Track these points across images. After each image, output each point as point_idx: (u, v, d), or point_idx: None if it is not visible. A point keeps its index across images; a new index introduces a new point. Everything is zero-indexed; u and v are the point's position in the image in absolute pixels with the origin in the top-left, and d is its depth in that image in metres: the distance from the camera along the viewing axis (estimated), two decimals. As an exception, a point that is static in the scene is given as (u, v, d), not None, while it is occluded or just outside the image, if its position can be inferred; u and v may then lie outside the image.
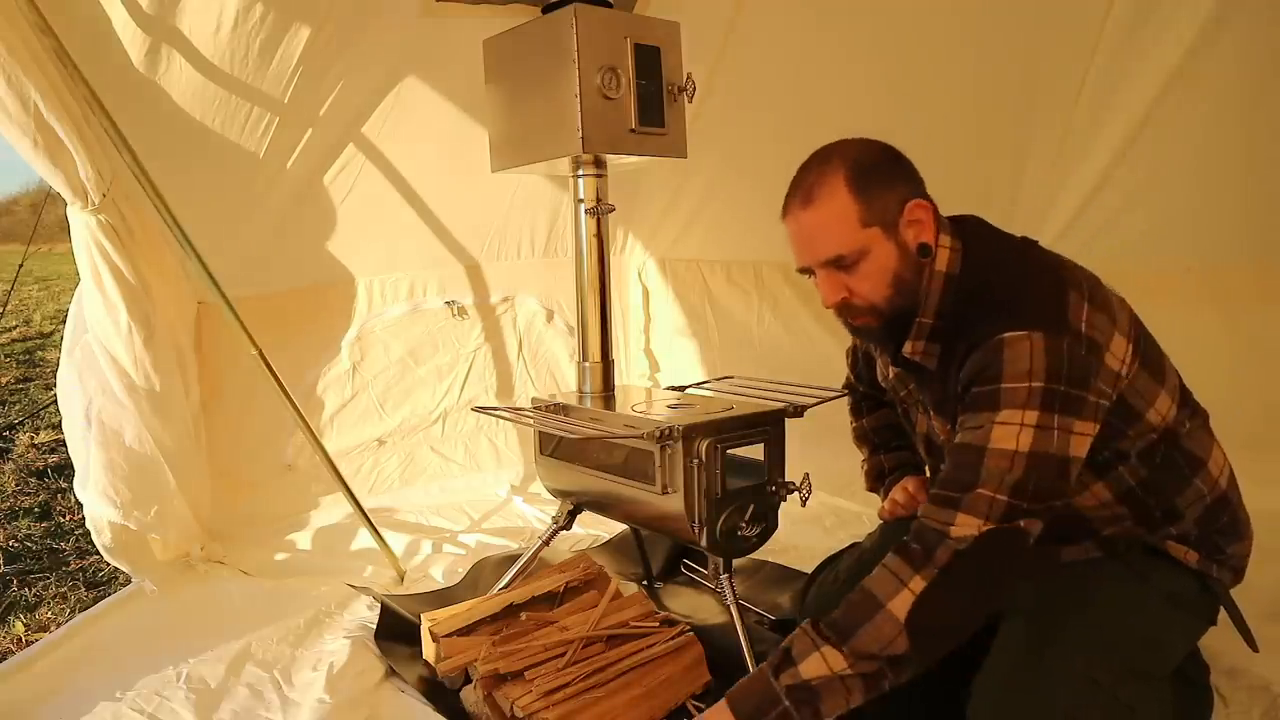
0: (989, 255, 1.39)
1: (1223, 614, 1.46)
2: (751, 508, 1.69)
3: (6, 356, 6.55)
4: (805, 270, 1.43)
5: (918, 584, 1.22)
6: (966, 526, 1.23)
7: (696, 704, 1.68)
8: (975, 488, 1.23)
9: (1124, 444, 1.35)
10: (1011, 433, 1.23)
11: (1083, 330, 1.28)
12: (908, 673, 1.25)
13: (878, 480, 1.83)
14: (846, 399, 1.93)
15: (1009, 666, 1.35)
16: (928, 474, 1.72)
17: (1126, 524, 1.41)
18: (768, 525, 1.74)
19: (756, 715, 1.25)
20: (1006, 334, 1.25)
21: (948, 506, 1.25)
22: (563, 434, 1.88)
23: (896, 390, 1.62)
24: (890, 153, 1.38)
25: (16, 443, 4.13)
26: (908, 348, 1.42)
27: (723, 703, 1.29)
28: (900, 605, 1.22)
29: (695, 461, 1.63)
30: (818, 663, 1.23)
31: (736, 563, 1.87)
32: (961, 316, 1.35)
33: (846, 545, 1.90)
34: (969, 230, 1.42)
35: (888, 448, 1.83)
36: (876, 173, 1.35)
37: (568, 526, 2.09)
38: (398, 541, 2.49)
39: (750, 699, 1.27)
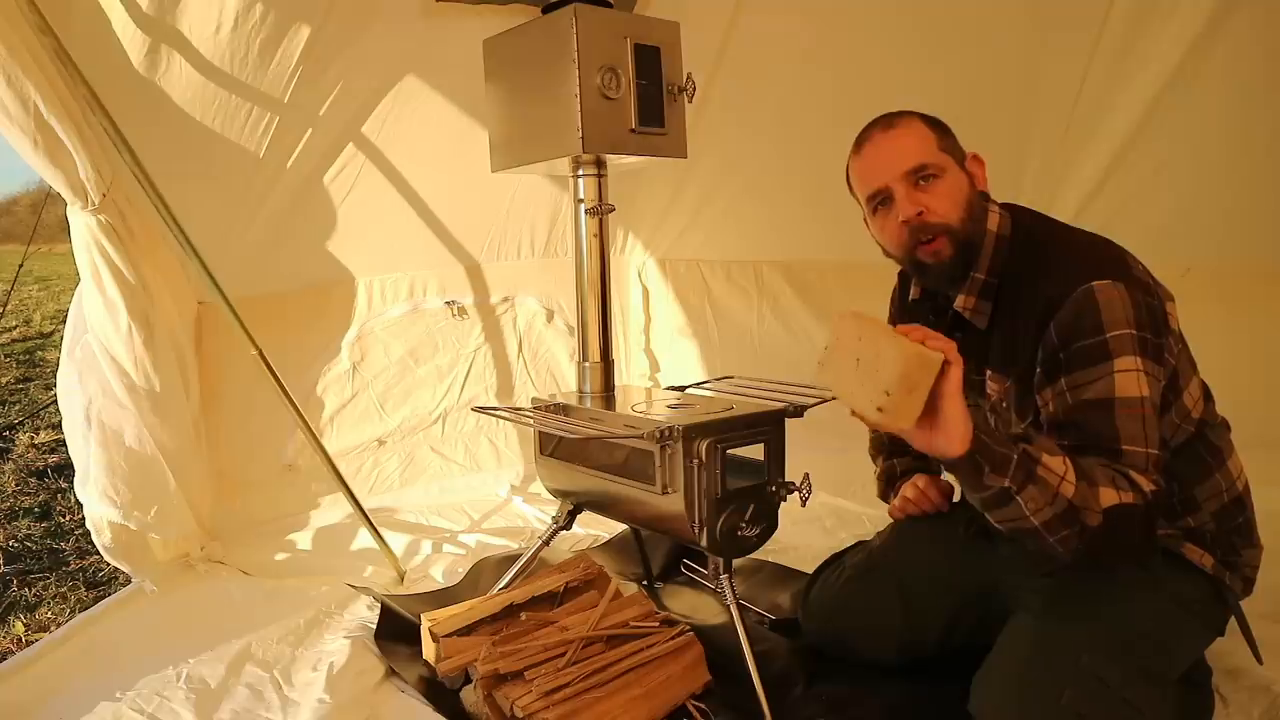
0: (1038, 222, 1.48)
1: (1231, 624, 1.47)
2: (751, 508, 1.69)
3: (6, 356, 6.54)
4: (877, 195, 1.46)
5: (1126, 495, 1.24)
6: (1146, 483, 1.25)
7: (697, 704, 1.68)
8: (1123, 442, 1.26)
9: (1163, 427, 1.36)
10: (1132, 380, 1.27)
11: (1151, 283, 1.35)
12: (1071, 546, 1.24)
13: (889, 485, 1.85)
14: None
15: (1017, 664, 1.36)
16: (942, 472, 1.73)
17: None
18: (768, 525, 1.74)
19: (991, 434, 1.22)
20: (1094, 283, 1.29)
21: (1109, 458, 1.27)
22: (563, 434, 1.88)
23: None
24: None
25: (16, 443, 4.13)
26: (960, 301, 1.47)
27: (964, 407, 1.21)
28: (1108, 497, 1.23)
29: (695, 461, 1.63)
30: (1059, 463, 1.22)
31: (736, 563, 1.87)
32: (1019, 275, 1.41)
33: (851, 544, 1.90)
34: (1010, 206, 1.51)
35: (902, 452, 1.84)
36: (941, 124, 1.49)
37: (568, 526, 2.09)
38: (398, 541, 2.49)
39: (992, 432, 1.24)
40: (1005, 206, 1.50)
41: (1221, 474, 1.43)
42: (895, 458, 1.85)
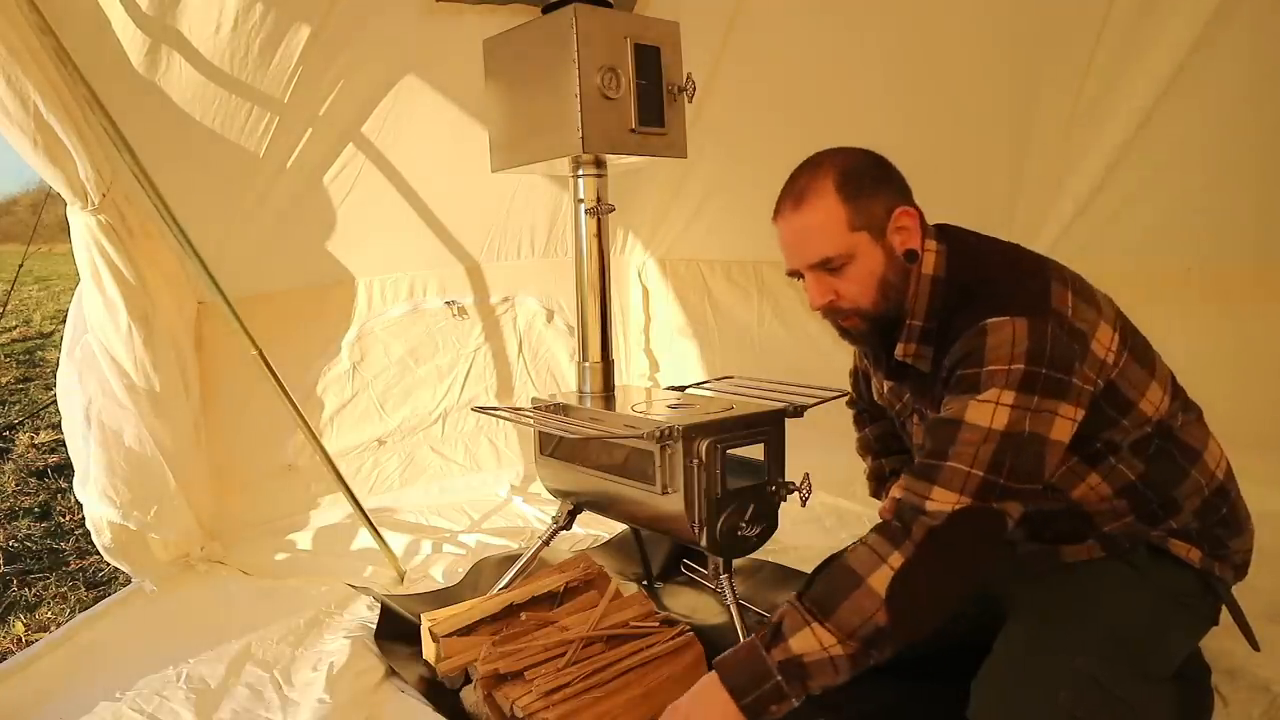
0: (972, 256, 1.43)
1: (1225, 614, 1.47)
2: (751, 508, 1.69)
3: (6, 356, 6.54)
4: (794, 273, 1.46)
5: (896, 559, 1.23)
6: (942, 500, 1.24)
7: (696, 704, 1.68)
8: (949, 460, 1.25)
9: (1116, 435, 1.36)
10: (987, 410, 1.25)
11: (1068, 315, 1.31)
12: (890, 649, 1.25)
13: (880, 484, 1.85)
14: (851, 411, 1.94)
15: (1011, 666, 1.36)
16: None
17: (1127, 519, 1.42)
18: (768, 525, 1.74)
19: (749, 688, 1.25)
20: (989, 320, 1.28)
21: (923, 479, 1.27)
22: (563, 434, 1.88)
23: (891, 404, 1.64)
24: (879, 162, 1.43)
25: (16, 443, 4.13)
26: (899, 350, 1.45)
27: (713, 675, 1.28)
28: (879, 580, 1.23)
29: (695, 461, 1.63)
30: (808, 639, 1.24)
31: (736, 563, 1.87)
32: (950, 316, 1.38)
33: (848, 545, 1.90)
34: (951, 235, 1.46)
35: (889, 452, 1.84)
36: (865, 180, 1.39)
37: (568, 526, 2.09)
38: (398, 541, 2.49)
39: (742, 672, 1.27)
40: (944, 236, 1.44)
41: (1199, 469, 1.42)
42: (883, 457, 1.85)
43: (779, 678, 1.23)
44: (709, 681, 1.28)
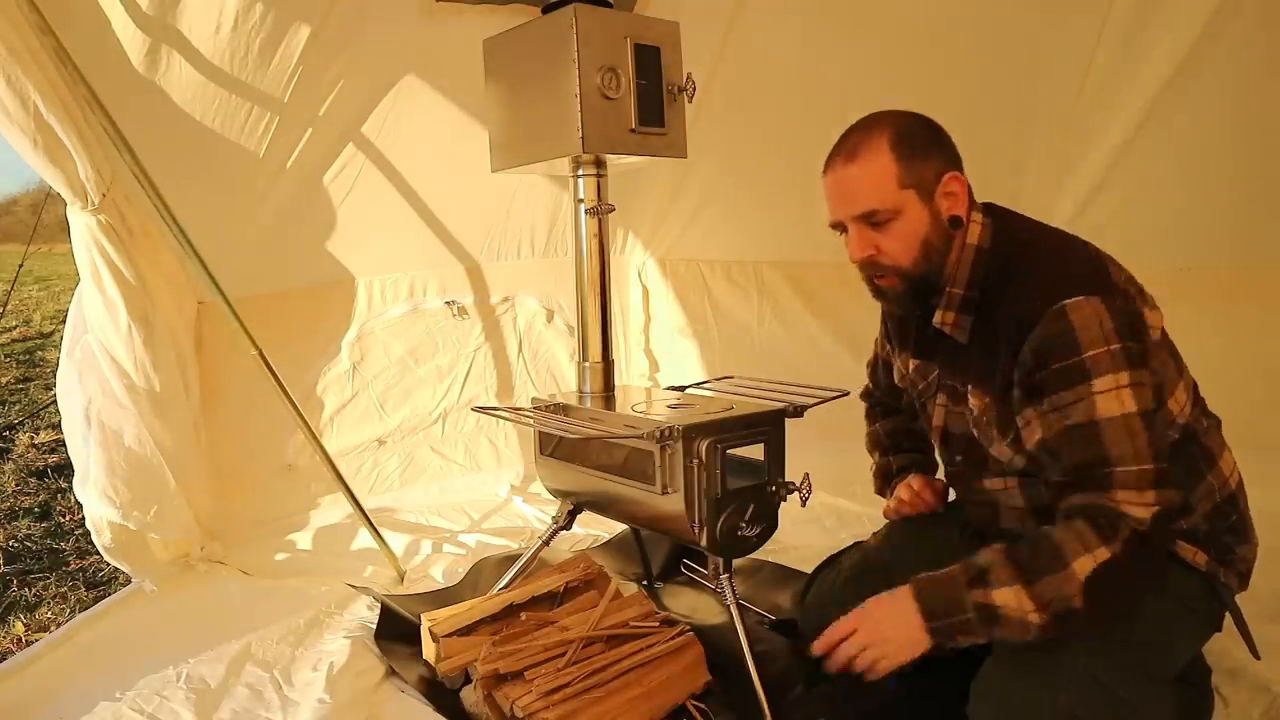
0: (1019, 232, 1.44)
1: (1227, 619, 1.47)
2: (751, 508, 1.69)
3: (6, 356, 6.54)
4: (837, 225, 1.46)
5: (1102, 554, 1.24)
6: (1129, 502, 1.25)
7: (697, 704, 1.68)
8: (1113, 465, 1.26)
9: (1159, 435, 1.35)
10: (1113, 399, 1.25)
11: (1130, 292, 1.33)
12: (1076, 632, 1.28)
13: (885, 481, 1.85)
14: (864, 405, 1.95)
15: (1013, 666, 1.35)
16: (940, 471, 1.73)
17: None
18: (768, 525, 1.74)
19: (941, 614, 1.30)
20: (1065, 302, 1.28)
21: (1099, 488, 1.27)
22: (563, 434, 1.88)
23: (914, 383, 1.63)
24: (933, 126, 1.44)
25: (16, 443, 4.13)
26: (938, 317, 1.46)
27: (908, 590, 1.34)
28: (1083, 568, 1.24)
29: (695, 461, 1.63)
30: (1010, 596, 1.26)
31: (736, 563, 1.87)
32: (998, 289, 1.39)
33: (848, 545, 1.90)
34: (997, 211, 1.47)
35: (898, 450, 1.85)
36: (918, 141, 1.40)
37: (568, 526, 2.09)
38: (398, 541, 2.49)
39: (938, 598, 1.32)
40: (990, 212, 1.46)
41: (1213, 474, 1.43)
42: (892, 454, 1.85)
43: (971, 615, 1.28)
44: (903, 595, 1.34)
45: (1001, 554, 1.31)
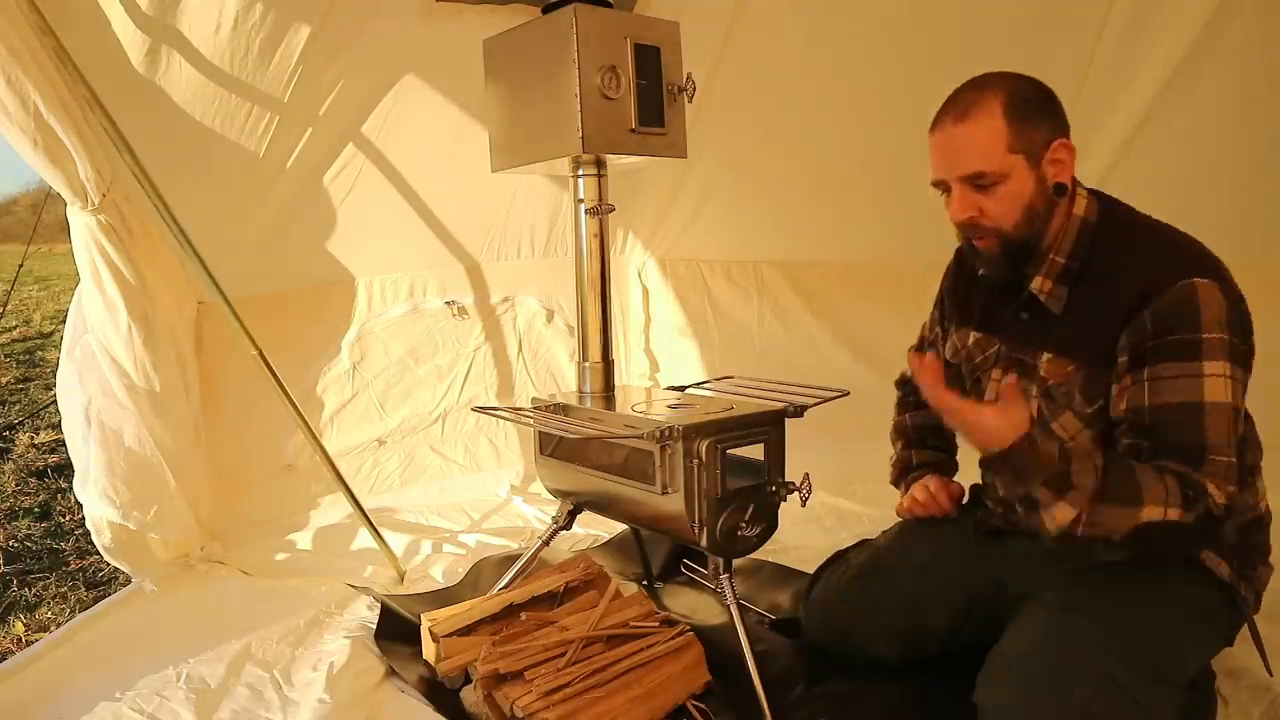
0: (1128, 212, 1.45)
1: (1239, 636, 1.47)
2: (751, 508, 1.69)
3: (6, 356, 6.54)
4: (940, 184, 1.46)
5: (1175, 514, 1.26)
6: (1217, 492, 1.27)
7: (697, 704, 1.68)
8: (1210, 451, 1.28)
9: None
10: (1222, 385, 1.27)
11: (1240, 293, 1.34)
12: (1098, 551, 1.34)
13: (903, 474, 1.85)
14: (897, 393, 1.94)
15: (1027, 657, 1.35)
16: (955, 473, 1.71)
17: None
18: (768, 525, 1.74)
19: (1012, 466, 1.30)
20: (1196, 280, 1.29)
21: (1190, 466, 1.28)
22: (563, 434, 1.88)
23: (971, 357, 1.64)
24: (1046, 93, 1.43)
25: (16, 443, 4.13)
26: (1037, 284, 1.45)
27: (1024, 431, 1.29)
28: (1149, 514, 1.26)
29: (695, 462, 1.63)
30: (1066, 512, 1.28)
31: (736, 563, 1.87)
32: (1104, 261, 1.40)
33: (855, 542, 1.90)
34: (1100, 193, 1.48)
35: (922, 445, 1.85)
36: (1030, 105, 1.39)
37: (568, 526, 2.09)
38: (398, 541, 2.49)
39: (1023, 459, 1.29)
40: (1094, 192, 1.47)
41: (1250, 491, 1.43)
42: (914, 448, 1.85)
43: (1024, 494, 1.31)
44: (1013, 429, 1.29)
45: (1095, 469, 1.29)
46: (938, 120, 1.44)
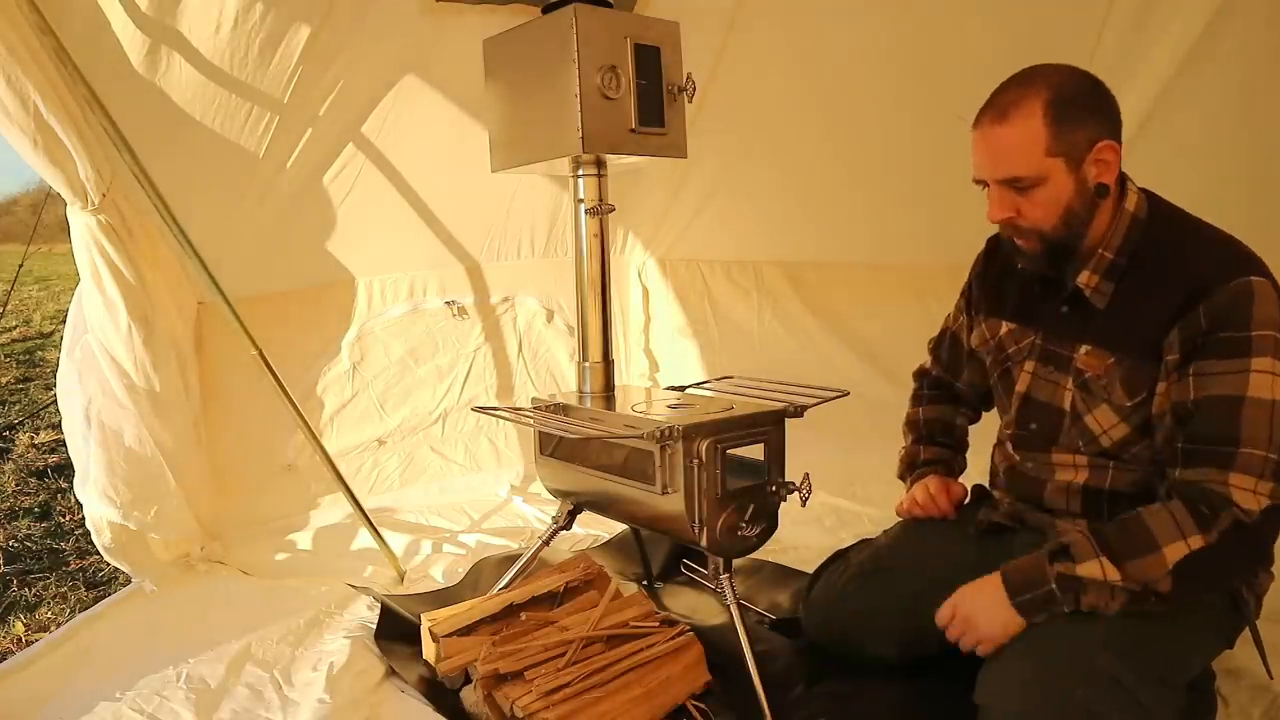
0: (1178, 211, 1.44)
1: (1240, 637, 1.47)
2: (751, 508, 1.69)
3: (6, 356, 6.54)
4: (980, 181, 1.45)
5: (1196, 541, 1.26)
6: (1244, 487, 1.25)
7: (697, 704, 1.68)
8: (1242, 446, 1.26)
9: None
10: (1266, 381, 1.25)
11: None
12: (1162, 606, 1.30)
13: (909, 469, 1.85)
14: (914, 384, 1.94)
15: (1029, 657, 1.35)
16: (1010, 444, 1.66)
17: None
18: (768, 525, 1.74)
19: (1025, 588, 1.37)
20: (1253, 279, 1.28)
21: (1217, 465, 1.27)
22: (563, 434, 1.88)
23: (1003, 347, 1.63)
24: (1095, 88, 1.40)
25: (16, 443, 4.13)
26: (1084, 278, 1.44)
27: (997, 575, 1.41)
28: (1174, 553, 1.26)
29: (695, 461, 1.63)
30: (1094, 567, 1.31)
31: (736, 563, 1.87)
32: (1157, 256, 1.38)
33: (855, 541, 1.90)
34: (1147, 191, 1.46)
35: (931, 441, 1.85)
36: (1075, 105, 1.36)
37: (568, 526, 2.09)
38: (398, 541, 2.49)
39: (1022, 574, 1.38)
40: (1143, 190, 1.46)
41: None
42: (923, 444, 1.85)
43: (1054, 587, 1.33)
44: (993, 580, 1.41)
45: (1084, 534, 1.34)
46: (979, 117, 1.42)
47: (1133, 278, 1.41)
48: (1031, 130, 1.35)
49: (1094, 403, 1.45)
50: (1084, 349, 1.46)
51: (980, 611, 1.41)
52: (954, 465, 1.83)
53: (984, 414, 1.87)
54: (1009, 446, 1.64)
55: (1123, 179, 1.43)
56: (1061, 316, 1.51)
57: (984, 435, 1.81)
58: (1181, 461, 1.32)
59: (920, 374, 1.94)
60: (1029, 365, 1.57)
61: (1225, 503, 1.26)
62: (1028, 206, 1.40)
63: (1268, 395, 1.26)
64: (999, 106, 1.39)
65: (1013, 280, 1.61)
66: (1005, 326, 1.62)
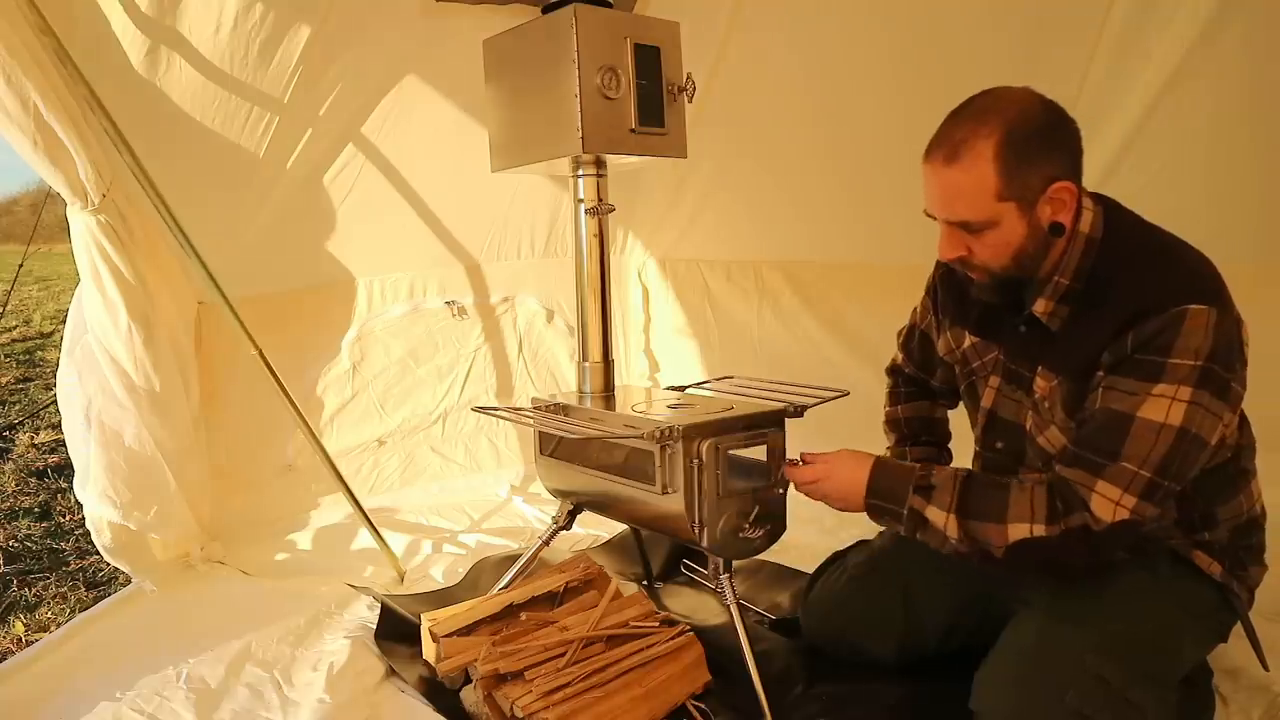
0: (1133, 226, 1.40)
1: (1233, 632, 1.47)
2: (755, 509, 1.69)
3: (6, 356, 6.54)
4: (931, 216, 1.43)
5: (1040, 530, 1.30)
6: (1107, 496, 1.26)
7: (697, 704, 1.68)
8: (1119, 459, 1.26)
9: (1196, 462, 1.32)
10: (1163, 406, 1.25)
11: (1238, 314, 1.31)
12: (996, 568, 1.37)
13: None
14: (887, 381, 1.94)
15: (1020, 662, 1.36)
16: (980, 465, 1.68)
17: (1165, 523, 1.41)
18: (775, 527, 1.73)
19: (882, 495, 1.46)
20: (1190, 306, 1.25)
21: (1090, 471, 1.29)
22: (563, 434, 1.88)
23: (967, 360, 1.62)
24: (1054, 124, 1.33)
25: (16, 443, 4.13)
26: (1040, 306, 1.42)
27: (869, 465, 1.49)
28: (1016, 532, 1.31)
29: (695, 462, 1.63)
30: (940, 518, 1.38)
31: (736, 562, 1.87)
32: (1108, 280, 1.35)
33: (853, 543, 1.90)
34: (1108, 202, 1.42)
35: (915, 440, 1.85)
36: (1029, 145, 1.30)
37: (568, 526, 2.09)
38: (398, 541, 2.49)
39: (888, 481, 1.46)
40: (1101, 202, 1.40)
41: (1245, 494, 1.43)
42: (909, 444, 1.85)
43: (904, 512, 1.42)
44: (864, 465, 1.49)
45: (954, 480, 1.39)
46: (930, 151, 1.36)
47: (1086, 300, 1.38)
48: (982, 174, 1.30)
49: (1044, 424, 1.46)
50: (1039, 369, 1.46)
51: (839, 483, 1.52)
52: (941, 462, 1.83)
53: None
54: (979, 465, 1.66)
55: (1079, 197, 1.37)
56: (1021, 336, 1.50)
57: (964, 431, 1.80)
58: (1064, 459, 1.34)
59: (893, 370, 1.94)
60: (994, 381, 1.57)
61: (1082, 506, 1.28)
62: (979, 247, 1.38)
63: (1160, 419, 1.24)
64: (950, 144, 1.32)
65: (975, 300, 1.60)
66: (969, 339, 1.62)
